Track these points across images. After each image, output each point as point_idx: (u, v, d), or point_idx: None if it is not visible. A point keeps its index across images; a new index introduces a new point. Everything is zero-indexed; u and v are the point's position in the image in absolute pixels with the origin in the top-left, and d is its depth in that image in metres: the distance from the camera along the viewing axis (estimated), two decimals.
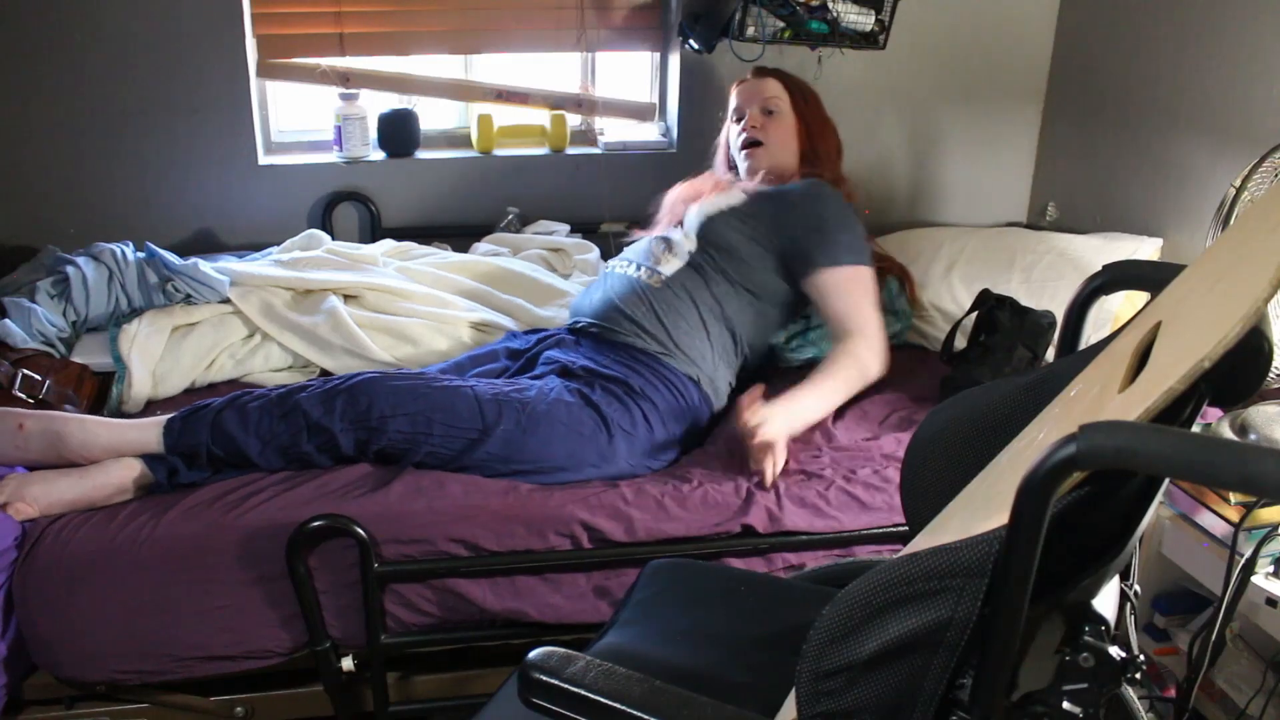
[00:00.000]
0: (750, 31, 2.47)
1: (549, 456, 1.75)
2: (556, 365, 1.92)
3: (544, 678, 0.92)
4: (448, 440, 1.73)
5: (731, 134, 2.23)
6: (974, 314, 2.15)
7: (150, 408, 2.00)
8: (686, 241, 2.06)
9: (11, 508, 1.63)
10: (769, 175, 2.14)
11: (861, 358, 1.95)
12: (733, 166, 2.24)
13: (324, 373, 2.11)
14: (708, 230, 2.05)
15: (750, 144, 2.16)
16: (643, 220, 2.33)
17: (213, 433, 1.71)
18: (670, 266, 2.02)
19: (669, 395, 1.87)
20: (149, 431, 1.72)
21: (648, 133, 2.83)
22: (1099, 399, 0.90)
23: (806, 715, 0.86)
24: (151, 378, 2.02)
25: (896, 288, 2.35)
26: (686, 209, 2.14)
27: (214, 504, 1.66)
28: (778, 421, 1.78)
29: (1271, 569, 1.68)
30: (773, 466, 1.76)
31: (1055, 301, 2.21)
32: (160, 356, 2.04)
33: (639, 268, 2.04)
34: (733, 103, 2.23)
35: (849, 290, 1.99)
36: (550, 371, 1.91)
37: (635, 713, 0.90)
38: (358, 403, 1.71)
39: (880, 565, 0.84)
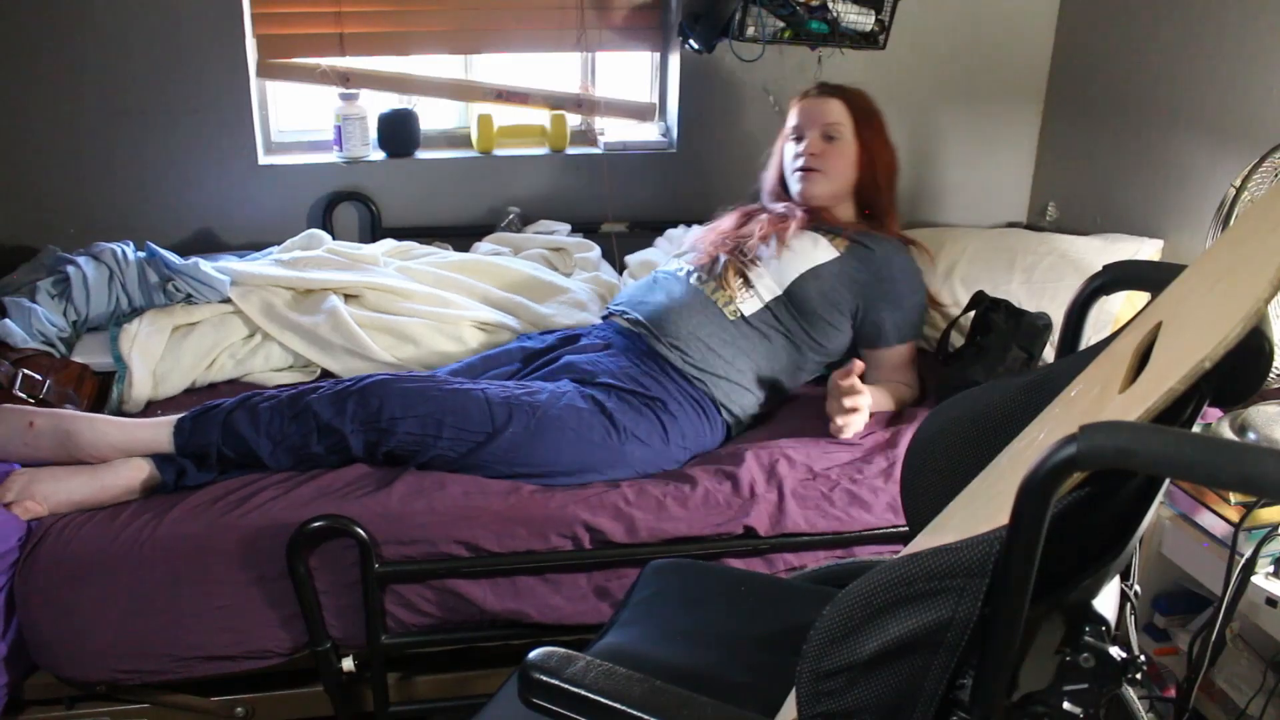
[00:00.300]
0: (750, 31, 2.47)
1: (556, 462, 1.75)
2: (575, 371, 1.89)
3: (544, 678, 0.92)
4: (457, 443, 1.73)
5: (788, 153, 2.14)
6: (969, 315, 2.16)
7: (151, 407, 2.00)
8: (770, 286, 1.99)
9: (19, 506, 1.63)
10: (821, 202, 2.10)
11: (902, 390, 2.07)
12: (784, 184, 2.17)
13: (325, 373, 2.11)
14: (798, 288, 1.99)
15: (807, 168, 2.08)
16: (646, 223, 2.30)
17: (224, 433, 1.71)
18: (749, 305, 1.98)
19: (693, 415, 1.87)
20: (159, 431, 1.73)
21: (648, 133, 2.83)
22: (1099, 399, 0.90)
23: (807, 715, 0.86)
24: (152, 377, 2.02)
25: None
26: (768, 247, 2.02)
27: (215, 504, 1.67)
28: (869, 396, 1.90)
29: (1271, 569, 1.68)
30: (852, 424, 1.88)
31: (1056, 303, 2.21)
32: (161, 356, 2.04)
33: (713, 287, 1.99)
34: (792, 120, 2.14)
35: (904, 365, 2.08)
36: (567, 375, 1.89)
37: (635, 713, 0.90)
38: (368, 404, 1.71)
39: (880, 565, 0.84)
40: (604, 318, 2.12)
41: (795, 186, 2.11)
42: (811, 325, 2.00)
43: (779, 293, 1.99)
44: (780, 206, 2.13)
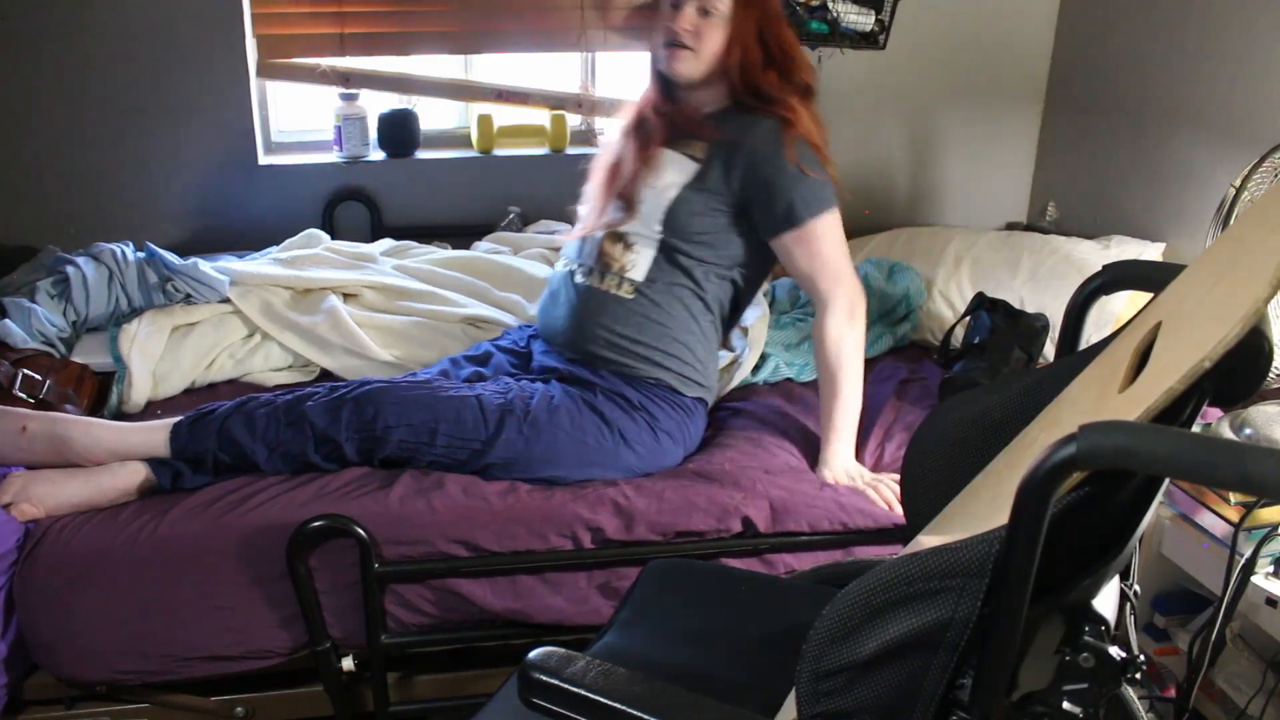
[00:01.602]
0: None
1: (552, 464, 1.75)
2: (555, 371, 1.88)
3: (544, 678, 0.92)
4: (451, 449, 1.73)
5: (663, 19, 1.87)
6: (969, 316, 2.16)
7: (150, 408, 1.99)
8: (647, 230, 1.86)
9: (16, 508, 1.63)
10: (689, 81, 1.87)
11: (842, 325, 1.86)
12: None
13: (324, 372, 2.11)
14: (671, 220, 1.84)
15: (674, 44, 1.84)
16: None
17: (219, 439, 1.71)
18: (638, 267, 1.85)
19: (670, 411, 1.85)
20: (154, 435, 1.72)
21: None
22: (1099, 399, 0.90)
23: (806, 715, 0.86)
24: (152, 378, 2.02)
25: (908, 279, 2.35)
26: (633, 190, 1.87)
27: (215, 504, 1.66)
28: (840, 469, 1.84)
29: (1271, 569, 1.68)
30: (879, 494, 1.81)
31: (1057, 303, 2.21)
32: (160, 356, 2.04)
33: (600, 275, 1.87)
34: None
35: (818, 251, 1.85)
36: (551, 377, 1.88)
37: (635, 713, 0.90)
38: (363, 412, 1.71)
39: (880, 565, 0.84)
40: (531, 337, 2.04)
41: (662, 63, 1.89)
42: (710, 252, 1.87)
43: (659, 236, 1.85)
44: (642, 114, 1.94)
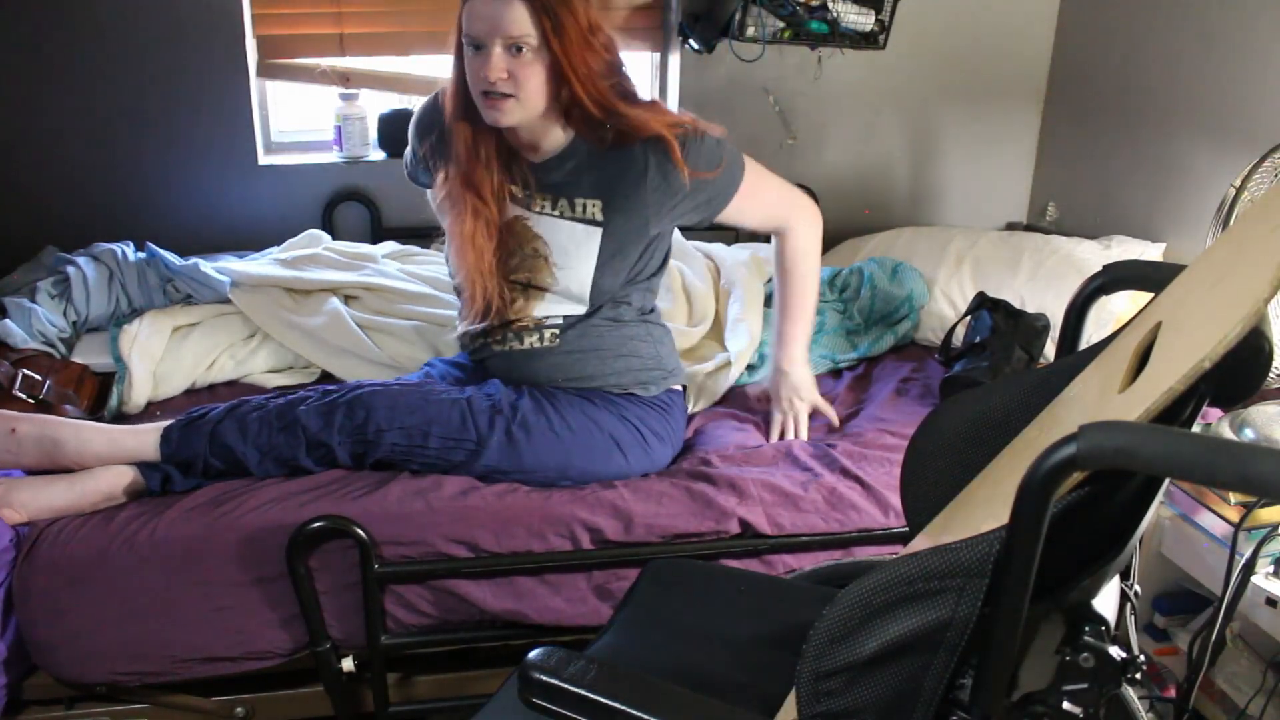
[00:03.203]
0: (750, 31, 2.47)
1: (544, 466, 1.74)
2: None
3: (544, 678, 0.92)
4: (444, 452, 1.72)
5: (469, 68, 1.60)
6: (969, 316, 2.16)
7: (150, 408, 1.99)
8: (567, 305, 1.76)
9: None
10: (521, 127, 1.67)
11: (810, 234, 1.87)
12: (468, 102, 1.66)
13: (325, 373, 2.11)
14: (597, 292, 1.75)
15: (492, 93, 1.59)
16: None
17: (211, 443, 1.70)
18: (552, 309, 1.76)
19: (648, 410, 1.83)
20: (145, 439, 1.71)
21: None
22: (1099, 399, 0.90)
23: (806, 715, 0.86)
24: (152, 378, 2.02)
25: (912, 281, 2.35)
26: (534, 279, 1.74)
27: (214, 505, 1.66)
28: (805, 384, 1.89)
29: (1271, 569, 1.68)
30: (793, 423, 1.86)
31: (1057, 303, 2.21)
32: (161, 357, 2.04)
33: (518, 338, 1.77)
34: (464, 23, 1.59)
35: (748, 203, 1.78)
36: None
37: (635, 713, 0.90)
38: (355, 415, 1.70)
39: (880, 565, 0.84)
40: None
41: (485, 115, 1.63)
42: (626, 287, 1.78)
43: (584, 307, 1.77)
44: (494, 179, 1.71)
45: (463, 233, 1.71)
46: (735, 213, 1.80)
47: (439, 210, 1.80)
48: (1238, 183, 1.71)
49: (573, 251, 1.73)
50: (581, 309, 1.78)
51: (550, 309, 1.78)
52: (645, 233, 1.74)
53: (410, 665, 1.83)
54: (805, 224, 1.88)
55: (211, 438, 1.70)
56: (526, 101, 1.60)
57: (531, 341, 1.78)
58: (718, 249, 2.48)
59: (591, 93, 1.62)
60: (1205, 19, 2.31)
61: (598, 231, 1.72)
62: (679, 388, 1.90)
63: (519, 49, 1.57)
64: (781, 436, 1.95)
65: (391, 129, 2.65)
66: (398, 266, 2.34)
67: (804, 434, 1.87)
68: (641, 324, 1.84)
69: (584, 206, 1.72)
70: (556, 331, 1.78)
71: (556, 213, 1.73)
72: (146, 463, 1.71)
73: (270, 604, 1.66)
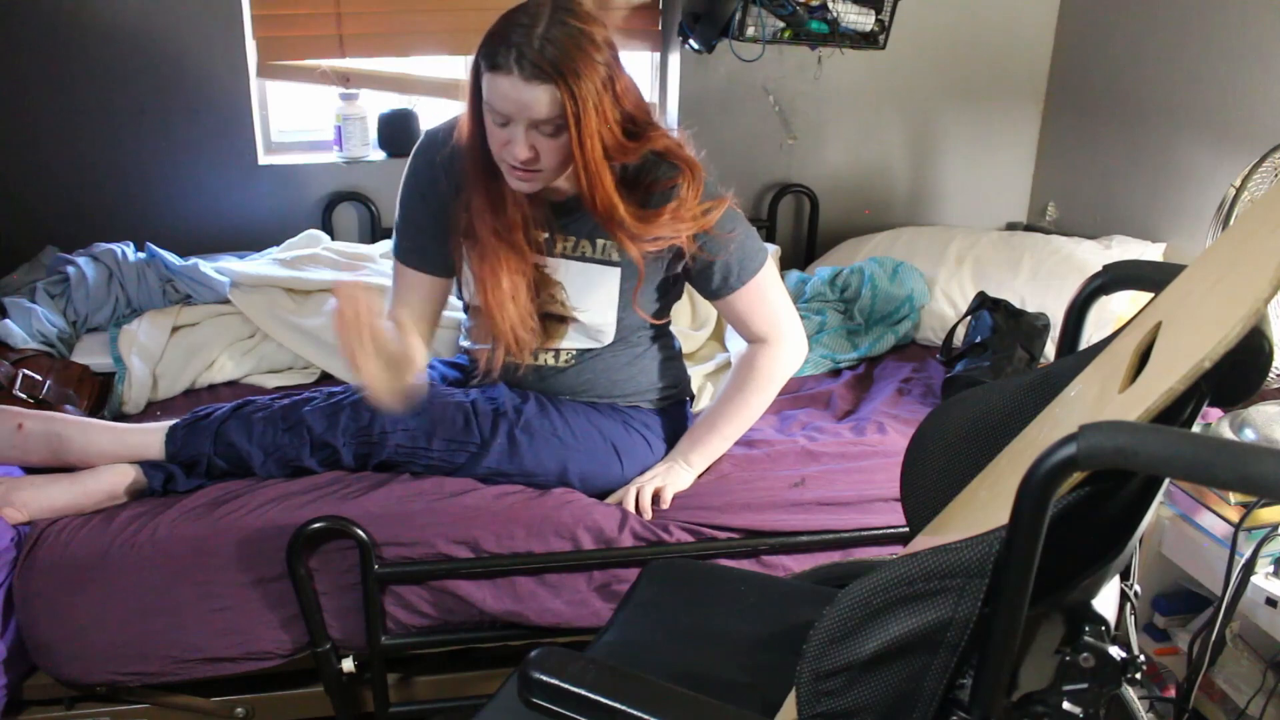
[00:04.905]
0: (750, 31, 2.48)
1: (544, 470, 1.74)
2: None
3: (544, 678, 0.92)
4: (447, 454, 1.72)
5: (492, 136, 1.58)
6: (970, 316, 2.16)
7: (150, 408, 2.00)
8: (590, 342, 1.76)
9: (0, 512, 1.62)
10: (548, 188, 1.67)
11: (790, 360, 1.81)
12: (486, 155, 1.62)
13: (324, 374, 2.11)
14: (622, 328, 1.76)
15: (520, 169, 1.57)
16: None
17: (216, 442, 1.70)
18: (572, 339, 1.76)
19: (654, 416, 1.83)
20: (150, 437, 1.72)
21: None
22: (1099, 399, 0.90)
23: (806, 715, 0.86)
24: (152, 378, 2.02)
25: (912, 281, 2.35)
26: (558, 314, 1.74)
27: (214, 506, 1.66)
28: (679, 484, 1.76)
29: (1271, 569, 1.68)
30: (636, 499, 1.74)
31: (1058, 303, 2.21)
32: (160, 357, 2.04)
33: (533, 355, 1.76)
34: (486, 92, 1.55)
35: (751, 307, 1.77)
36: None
37: (635, 713, 0.90)
38: (360, 417, 1.70)
39: (880, 565, 0.84)
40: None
41: (510, 182, 1.62)
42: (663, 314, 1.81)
43: (604, 344, 1.77)
44: (522, 219, 1.67)
45: (501, 287, 1.67)
46: (735, 301, 1.75)
47: (454, 242, 1.74)
48: (1238, 183, 1.71)
49: (589, 294, 1.72)
50: (602, 343, 1.77)
51: (570, 343, 1.77)
52: (660, 271, 1.73)
53: (410, 666, 1.83)
54: (794, 341, 1.80)
55: (216, 437, 1.70)
56: (552, 171, 1.60)
57: (546, 359, 1.78)
58: None
59: (616, 153, 1.59)
60: (1205, 19, 2.31)
61: (615, 272, 1.71)
62: (684, 398, 1.91)
63: (543, 126, 1.54)
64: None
65: (391, 129, 2.65)
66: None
67: (647, 513, 1.74)
68: (654, 344, 1.83)
69: (603, 247, 1.71)
70: (571, 358, 1.78)
71: (577, 254, 1.72)
72: (149, 462, 1.71)
73: (270, 604, 1.66)
